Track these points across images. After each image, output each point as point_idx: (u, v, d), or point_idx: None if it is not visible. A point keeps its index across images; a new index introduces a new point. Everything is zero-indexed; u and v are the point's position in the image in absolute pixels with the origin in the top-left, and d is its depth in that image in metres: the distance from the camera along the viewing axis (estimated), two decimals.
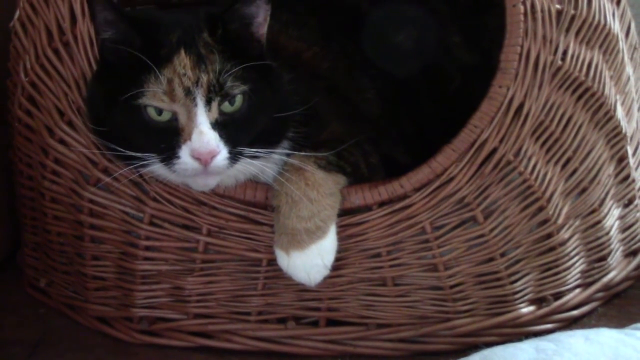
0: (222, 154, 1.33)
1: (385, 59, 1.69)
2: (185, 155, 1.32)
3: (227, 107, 1.34)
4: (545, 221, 1.53)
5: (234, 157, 1.34)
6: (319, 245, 1.43)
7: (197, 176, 1.36)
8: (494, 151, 1.46)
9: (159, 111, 1.33)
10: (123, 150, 1.35)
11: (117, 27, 1.34)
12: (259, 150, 1.37)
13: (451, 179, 1.46)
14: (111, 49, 1.36)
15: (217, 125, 1.33)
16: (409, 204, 1.47)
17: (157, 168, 1.37)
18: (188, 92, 1.32)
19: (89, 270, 1.58)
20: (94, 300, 1.59)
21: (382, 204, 1.48)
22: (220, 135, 1.33)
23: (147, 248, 1.53)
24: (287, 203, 1.42)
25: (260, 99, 1.37)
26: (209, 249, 1.51)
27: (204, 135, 1.31)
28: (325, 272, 1.44)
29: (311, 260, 1.43)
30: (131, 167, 1.38)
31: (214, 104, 1.33)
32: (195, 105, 1.32)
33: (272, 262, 1.49)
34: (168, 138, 1.33)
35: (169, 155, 1.33)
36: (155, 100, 1.32)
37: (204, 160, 1.32)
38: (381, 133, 1.62)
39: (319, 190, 1.42)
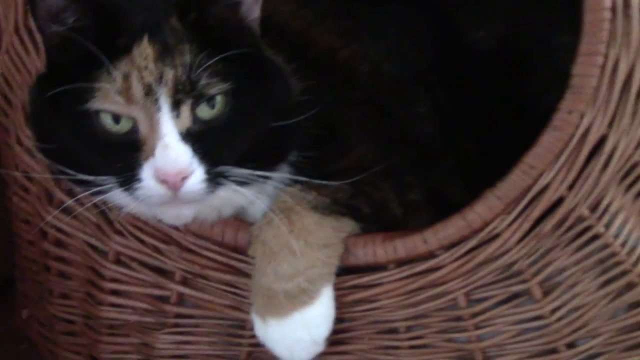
0: (197, 175, 0.99)
1: (453, 62, 1.29)
2: (148, 176, 0.99)
3: (204, 111, 1.00)
4: (637, 304, 1.08)
5: (214, 180, 1.00)
6: (303, 314, 1.06)
7: (167, 205, 1.02)
8: (559, 202, 1.04)
9: (116, 119, 1.00)
10: (73, 172, 1.04)
11: (65, 17, 1.02)
12: (250, 172, 1.02)
13: (494, 237, 1.05)
14: (58, 45, 1.04)
15: (189, 136, 0.99)
16: (437, 266, 1.08)
17: (117, 195, 1.04)
18: (149, 91, 0.98)
19: (57, 310, 1.28)
20: (64, 345, 1.30)
21: (401, 264, 1.09)
22: (195, 150, 0.99)
23: (113, 292, 1.21)
24: (263, 254, 1.07)
25: (250, 102, 1.03)
26: (185, 300, 1.18)
27: (171, 150, 0.98)
28: (315, 348, 1.08)
29: (293, 333, 1.07)
30: (87, 193, 1.06)
31: (185, 108, 0.99)
32: (159, 109, 0.98)
33: None
34: (127, 155, 1.00)
35: (128, 177, 1.00)
36: (108, 102, 0.99)
37: (172, 183, 0.98)
38: (433, 160, 1.23)
39: (307, 240, 1.05)
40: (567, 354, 1.09)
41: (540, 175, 1.03)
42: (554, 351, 1.09)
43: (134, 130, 1.00)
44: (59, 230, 1.23)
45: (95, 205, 1.14)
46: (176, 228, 1.14)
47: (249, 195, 1.05)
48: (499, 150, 1.24)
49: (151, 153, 0.98)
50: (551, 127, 1.02)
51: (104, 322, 1.23)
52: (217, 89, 1.00)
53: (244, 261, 1.12)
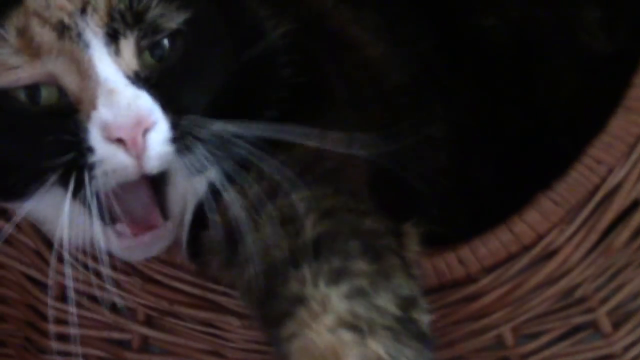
0: (162, 128, 0.72)
1: (463, 60, 1.04)
2: (97, 140, 0.71)
3: (149, 57, 0.75)
4: None
5: (183, 139, 0.73)
6: None
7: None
8: (634, 207, 0.81)
9: (33, 94, 0.73)
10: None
11: None
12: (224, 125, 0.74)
13: (551, 255, 0.82)
14: None
15: (140, 80, 0.73)
16: (476, 293, 0.85)
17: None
18: (64, 29, 0.72)
19: None
20: None
21: (429, 292, 0.85)
22: (152, 95, 0.72)
23: (59, 337, 0.97)
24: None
25: (212, 30, 0.79)
26: (150, 345, 0.94)
27: (119, 94, 0.71)
28: None
29: None
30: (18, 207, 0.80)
31: (126, 43, 0.73)
32: (86, 45, 0.72)
33: None
34: (62, 130, 0.72)
35: (74, 160, 0.72)
36: (4, 72, 0.72)
37: (131, 139, 0.71)
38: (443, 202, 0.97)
39: None
40: None
41: (610, 171, 0.80)
42: None
43: (62, 95, 0.73)
44: None
45: (34, 227, 0.91)
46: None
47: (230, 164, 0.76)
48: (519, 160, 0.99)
49: (92, 107, 0.71)
50: (623, 108, 0.79)
51: None
52: (176, 22, 0.74)
53: (225, 293, 0.89)
